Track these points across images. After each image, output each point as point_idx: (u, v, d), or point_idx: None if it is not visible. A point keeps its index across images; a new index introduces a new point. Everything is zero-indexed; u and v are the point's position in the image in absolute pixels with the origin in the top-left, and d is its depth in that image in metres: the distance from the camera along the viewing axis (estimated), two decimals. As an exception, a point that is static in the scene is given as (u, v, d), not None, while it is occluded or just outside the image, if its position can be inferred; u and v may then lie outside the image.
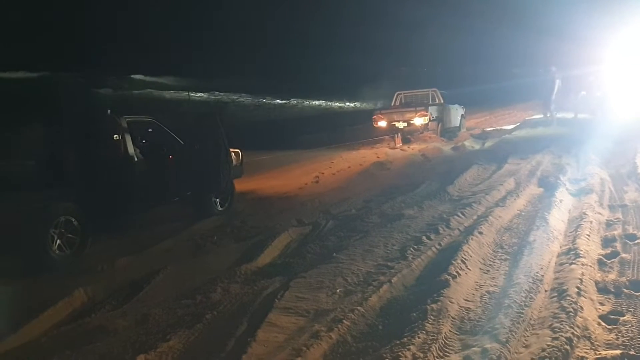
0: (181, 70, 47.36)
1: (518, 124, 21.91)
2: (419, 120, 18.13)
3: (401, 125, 18.28)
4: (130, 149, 7.86)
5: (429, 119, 18.09)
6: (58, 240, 6.80)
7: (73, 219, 6.98)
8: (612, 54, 23.17)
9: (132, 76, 46.45)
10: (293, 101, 44.27)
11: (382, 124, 18.65)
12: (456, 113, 20.33)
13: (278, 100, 44.20)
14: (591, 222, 6.65)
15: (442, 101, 19.22)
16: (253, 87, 44.83)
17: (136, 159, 7.90)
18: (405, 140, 18.05)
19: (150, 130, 8.84)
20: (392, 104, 19.93)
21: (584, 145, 12.87)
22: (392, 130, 18.50)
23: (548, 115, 19.22)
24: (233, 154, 9.63)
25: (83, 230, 7.05)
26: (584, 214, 7.01)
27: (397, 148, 17.15)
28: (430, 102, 19.12)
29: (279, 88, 45.10)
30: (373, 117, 19.01)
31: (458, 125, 20.34)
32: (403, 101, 19.88)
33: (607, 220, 6.94)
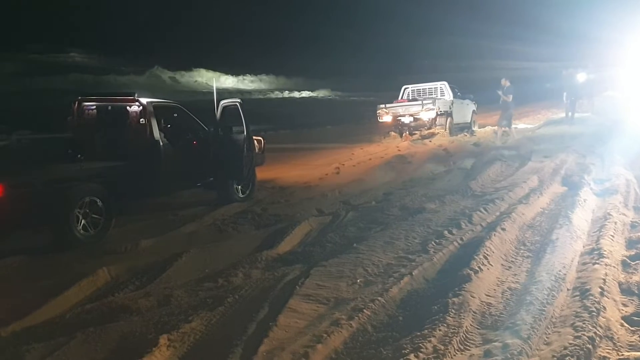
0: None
1: (542, 122, 21.71)
2: (425, 115, 17.44)
3: (407, 119, 17.66)
4: (156, 133, 7.92)
5: (437, 113, 17.42)
6: (83, 220, 6.90)
7: (98, 200, 7.07)
8: (632, 56, 22.88)
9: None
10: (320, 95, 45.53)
11: (387, 118, 17.93)
12: (467, 108, 19.63)
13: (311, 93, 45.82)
14: (615, 222, 6.58)
15: (451, 95, 18.51)
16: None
17: (161, 143, 7.96)
18: (425, 137, 17.70)
19: (175, 115, 8.90)
20: (400, 98, 19.21)
21: (608, 146, 12.72)
22: (397, 126, 17.94)
23: (504, 128, 17.17)
24: (255, 141, 9.66)
25: (107, 211, 7.14)
26: (608, 214, 6.94)
27: (406, 141, 16.93)
28: (439, 96, 18.47)
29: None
30: (377, 111, 18.19)
31: (469, 121, 19.64)
32: (410, 95, 19.20)
33: (631, 221, 6.85)
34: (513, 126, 19.81)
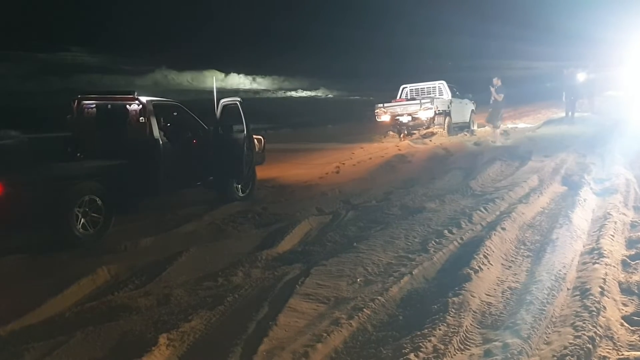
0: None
1: (542, 121, 21.71)
2: (423, 114, 17.47)
3: (405, 119, 17.67)
4: (156, 132, 7.90)
5: (435, 112, 17.43)
6: (82, 219, 6.88)
7: (97, 199, 7.04)
8: (634, 56, 22.91)
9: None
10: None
11: (385, 118, 17.97)
12: (466, 108, 19.60)
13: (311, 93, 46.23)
14: (615, 222, 6.57)
15: (449, 94, 18.47)
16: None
17: (161, 142, 7.94)
18: (425, 137, 17.68)
19: (175, 114, 8.89)
20: (398, 97, 19.17)
21: (608, 145, 12.71)
22: (395, 125, 17.95)
23: (498, 128, 17.07)
24: (256, 140, 9.66)
25: (107, 210, 7.12)
26: (608, 214, 6.93)
27: (406, 140, 16.96)
28: (437, 95, 18.47)
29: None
30: (375, 111, 18.23)
31: (468, 120, 19.62)
32: (409, 94, 19.18)
33: (632, 221, 6.84)
34: (511, 126, 19.89)
